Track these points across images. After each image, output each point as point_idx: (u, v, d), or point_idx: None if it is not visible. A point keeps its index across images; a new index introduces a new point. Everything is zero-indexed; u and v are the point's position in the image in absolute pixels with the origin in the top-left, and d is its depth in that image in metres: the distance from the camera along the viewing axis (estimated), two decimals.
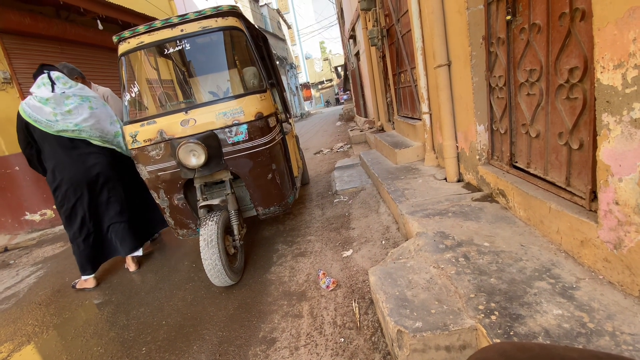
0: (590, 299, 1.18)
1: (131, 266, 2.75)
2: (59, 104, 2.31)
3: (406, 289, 1.45)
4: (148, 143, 2.18)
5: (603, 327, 1.05)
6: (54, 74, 2.36)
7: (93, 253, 2.56)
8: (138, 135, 2.19)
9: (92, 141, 2.46)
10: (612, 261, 1.22)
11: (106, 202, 2.58)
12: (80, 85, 2.50)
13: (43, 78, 2.34)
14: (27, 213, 4.41)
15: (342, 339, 1.54)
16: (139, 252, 2.72)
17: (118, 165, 2.62)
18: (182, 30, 2.20)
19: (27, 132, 2.35)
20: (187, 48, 2.27)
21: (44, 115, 2.29)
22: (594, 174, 1.30)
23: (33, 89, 2.34)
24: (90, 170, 2.45)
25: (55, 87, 2.33)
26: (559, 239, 1.50)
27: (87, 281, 2.57)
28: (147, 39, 2.24)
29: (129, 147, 2.23)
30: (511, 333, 1.09)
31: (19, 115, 2.32)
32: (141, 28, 2.24)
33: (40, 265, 3.30)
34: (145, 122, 2.19)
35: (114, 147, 2.59)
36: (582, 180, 1.43)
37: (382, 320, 1.48)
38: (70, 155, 2.40)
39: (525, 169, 1.87)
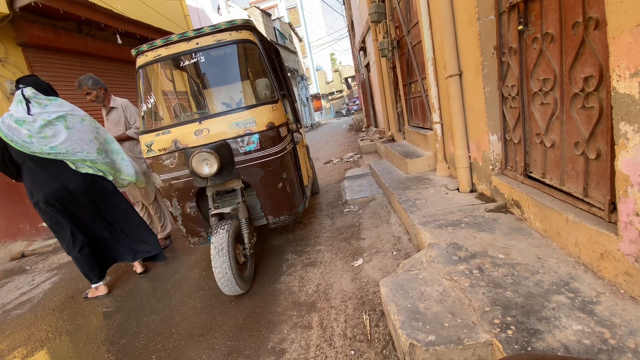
0: (611, 314, 1.13)
1: (138, 268, 2.82)
2: (34, 126, 2.24)
3: (418, 301, 1.42)
4: (162, 152, 2.23)
5: (625, 344, 1.00)
6: (27, 92, 2.28)
7: (93, 261, 2.55)
8: (153, 144, 2.24)
9: (68, 163, 2.38)
10: (633, 275, 1.17)
11: (91, 220, 2.52)
12: (57, 101, 2.39)
13: (18, 95, 2.27)
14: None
15: (353, 352, 1.52)
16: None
17: (98, 188, 2.52)
18: (197, 44, 2.27)
19: (4, 150, 2.30)
20: (201, 60, 2.34)
21: (19, 136, 2.23)
22: (612, 185, 1.27)
23: (11, 106, 2.28)
24: (67, 189, 2.37)
25: (31, 107, 2.26)
26: (577, 252, 1.46)
27: (98, 289, 2.61)
28: (164, 52, 2.31)
29: (144, 156, 2.28)
30: (529, 349, 1.05)
31: None
32: (158, 42, 2.32)
33: (56, 271, 3.36)
34: (160, 131, 2.25)
35: (89, 171, 2.46)
36: (600, 191, 1.39)
37: (393, 333, 1.45)
38: (46, 173, 2.34)
39: (541, 179, 1.84)
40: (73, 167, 2.40)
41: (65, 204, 2.40)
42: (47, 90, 2.43)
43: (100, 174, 2.52)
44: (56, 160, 2.34)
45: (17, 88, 2.32)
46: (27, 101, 2.26)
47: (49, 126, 2.28)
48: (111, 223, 2.62)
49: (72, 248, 2.47)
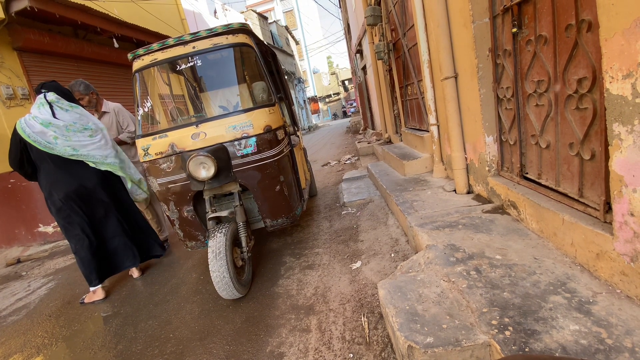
0: (607, 314, 1.14)
1: (135, 273, 2.84)
2: (60, 129, 2.38)
3: (416, 303, 1.42)
4: (159, 156, 2.22)
5: (622, 343, 1.01)
6: (50, 97, 2.40)
7: (97, 264, 2.58)
8: (150, 148, 2.23)
9: (88, 163, 2.52)
10: (629, 274, 1.18)
11: (104, 218, 2.63)
12: (78, 108, 2.54)
13: (40, 99, 2.39)
14: (40, 225, 4.50)
15: (351, 355, 1.51)
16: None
17: (112, 185, 2.68)
18: (194, 47, 2.27)
19: (24, 151, 2.39)
20: (198, 64, 2.34)
21: (44, 137, 2.34)
22: (607, 185, 1.28)
23: (33, 109, 2.39)
24: (85, 188, 2.50)
25: (55, 112, 2.39)
26: (573, 252, 1.46)
27: (96, 293, 2.59)
28: (160, 56, 2.31)
29: (141, 159, 2.28)
30: (526, 349, 1.05)
31: (16, 133, 2.35)
32: (155, 46, 2.32)
33: (52, 276, 3.34)
34: (157, 135, 2.25)
35: (108, 169, 2.63)
36: (595, 191, 1.40)
37: (392, 336, 1.45)
38: (65, 173, 2.46)
39: (537, 180, 1.85)
40: (92, 165, 2.54)
41: (82, 201, 2.52)
42: (68, 95, 2.56)
43: (119, 174, 2.69)
44: (76, 160, 2.48)
45: (39, 92, 2.44)
46: (50, 105, 2.39)
47: (73, 130, 2.43)
48: (122, 221, 2.70)
49: (80, 248, 2.52)
